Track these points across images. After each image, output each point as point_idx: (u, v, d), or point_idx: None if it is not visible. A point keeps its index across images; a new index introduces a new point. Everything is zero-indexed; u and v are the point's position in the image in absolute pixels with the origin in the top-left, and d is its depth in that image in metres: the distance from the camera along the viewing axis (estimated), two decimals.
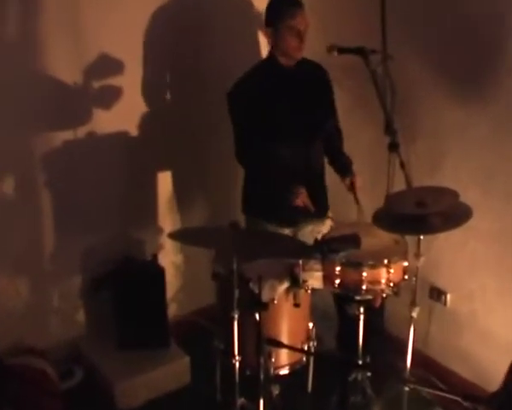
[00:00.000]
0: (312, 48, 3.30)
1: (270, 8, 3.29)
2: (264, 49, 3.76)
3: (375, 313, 3.26)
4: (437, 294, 3.65)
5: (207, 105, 3.90)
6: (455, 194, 2.81)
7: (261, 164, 3.30)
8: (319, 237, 3.06)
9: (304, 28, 3.20)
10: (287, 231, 3.39)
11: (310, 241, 3.00)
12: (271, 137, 3.27)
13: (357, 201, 3.27)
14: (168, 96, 3.86)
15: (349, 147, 3.52)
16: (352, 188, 3.32)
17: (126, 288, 3.67)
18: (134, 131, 3.76)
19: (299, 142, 3.32)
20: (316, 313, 3.25)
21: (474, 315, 3.51)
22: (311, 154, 3.38)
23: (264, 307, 2.70)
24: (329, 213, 3.54)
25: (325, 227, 3.42)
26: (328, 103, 3.46)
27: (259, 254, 2.80)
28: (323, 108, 3.42)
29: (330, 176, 3.50)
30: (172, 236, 2.98)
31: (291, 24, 3.18)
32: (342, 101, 3.56)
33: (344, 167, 3.40)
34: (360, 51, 2.97)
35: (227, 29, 3.92)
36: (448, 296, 3.61)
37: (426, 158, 3.53)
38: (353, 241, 2.78)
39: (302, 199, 3.16)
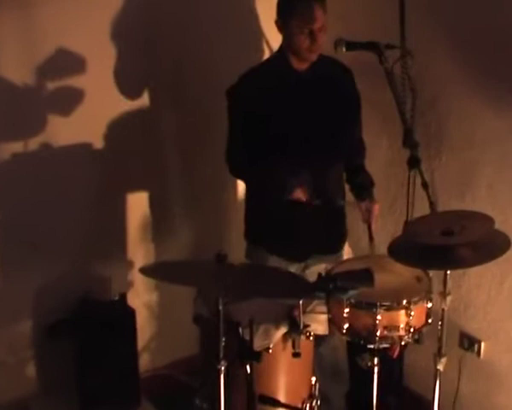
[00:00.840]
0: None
1: None
2: (274, 44, 3.81)
3: (393, 366, 3.29)
4: (469, 342, 3.68)
5: (190, 112, 3.96)
6: (489, 220, 2.83)
7: (250, 178, 3.37)
8: (323, 272, 3.10)
9: (318, 28, 3.20)
10: (294, 268, 3.43)
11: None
12: (267, 148, 3.31)
13: (371, 237, 3.32)
14: (142, 100, 3.91)
15: None
16: (367, 217, 3.37)
17: (88, 335, 3.69)
18: (99, 143, 3.80)
19: (308, 162, 3.35)
20: (321, 366, 3.28)
21: None
22: (326, 175, 3.42)
23: (256, 357, 2.72)
24: (347, 247, 3.59)
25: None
26: (352, 114, 3.49)
27: (251, 292, 2.81)
28: (346, 120, 3.44)
29: None
30: (145, 271, 2.99)
31: (302, 21, 3.19)
32: None
33: (362, 187, 3.45)
34: (373, 46, 3.02)
35: (218, 19, 3.97)
36: (482, 345, 3.64)
37: (454, 176, 3.58)
38: (365, 277, 2.79)
39: (303, 191, 3.22)
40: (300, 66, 3.34)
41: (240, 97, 3.33)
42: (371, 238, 3.32)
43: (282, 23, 3.28)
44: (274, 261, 3.41)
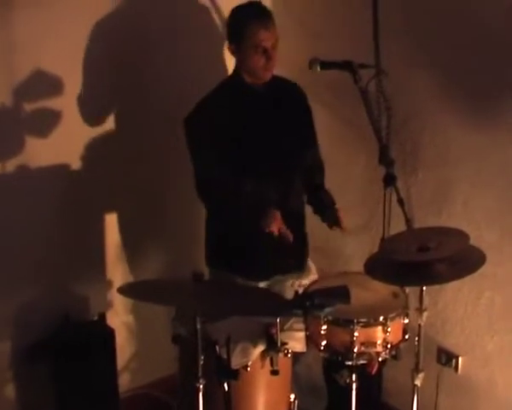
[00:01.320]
0: (294, 63, 3.39)
1: (231, 19, 3.36)
2: (231, 66, 3.85)
3: (371, 382, 3.30)
4: (446, 357, 3.69)
5: (164, 135, 3.97)
6: (464, 236, 2.86)
7: (226, 203, 3.34)
8: (300, 289, 3.11)
9: (272, 45, 3.25)
10: (261, 285, 3.42)
11: (289, 296, 3.05)
12: (238, 170, 3.31)
13: (341, 227, 3.34)
14: (118, 123, 3.92)
15: (337, 181, 3.59)
16: (334, 224, 3.39)
17: (68, 356, 3.67)
18: (76, 164, 3.80)
19: (272, 177, 3.37)
20: (300, 383, 3.28)
21: (491, 383, 3.55)
22: (289, 191, 3.43)
23: (234, 375, 2.72)
24: (310, 263, 3.60)
25: (308, 280, 3.43)
26: (306, 130, 3.52)
27: (228, 311, 2.82)
28: (301, 135, 3.47)
29: (310, 219, 3.56)
30: (123, 290, 2.98)
31: (255, 41, 3.22)
32: (328, 125, 3.65)
33: (324, 206, 3.46)
34: (347, 66, 3.05)
35: (185, 45, 4.00)
36: (460, 360, 3.65)
37: (430, 193, 3.61)
38: (342, 294, 2.81)
39: (277, 225, 3.20)
40: (256, 83, 3.36)
41: (200, 124, 3.31)
42: (341, 228, 3.35)
43: (236, 47, 3.31)
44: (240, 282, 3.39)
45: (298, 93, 3.51)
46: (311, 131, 3.54)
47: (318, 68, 3.16)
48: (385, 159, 3.01)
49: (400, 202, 2.97)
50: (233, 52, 3.35)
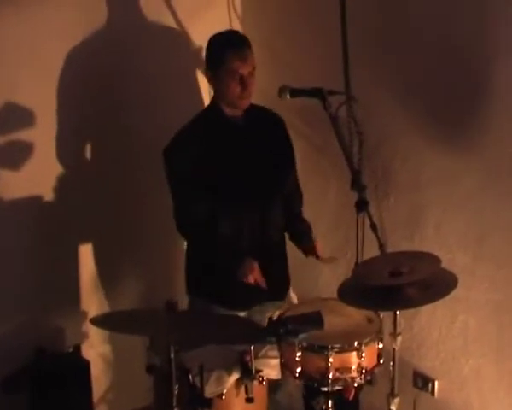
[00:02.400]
0: (264, 91, 3.40)
1: (209, 46, 3.35)
2: (208, 96, 3.87)
3: (348, 408, 3.29)
4: (422, 381, 3.69)
5: (140, 164, 3.98)
6: (436, 260, 2.87)
7: (206, 234, 3.34)
8: (274, 316, 3.10)
9: (249, 73, 3.25)
10: (241, 315, 3.39)
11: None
12: (217, 201, 3.31)
13: (317, 256, 3.36)
14: (91, 153, 3.92)
15: (310, 207, 3.60)
16: (311, 252, 3.41)
17: (43, 388, 3.63)
18: (49, 195, 3.80)
19: (252, 206, 3.37)
20: None
21: (467, 406, 3.54)
22: (268, 220, 3.42)
23: (207, 404, 2.71)
24: (292, 293, 3.59)
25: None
26: (285, 159, 3.51)
27: (202, 339, 2.82)
28: (280, 164, 3.46)
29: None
30: (96, 322, 2.97)
31: (232, 68, 3.22)
32: (300, 153, 3.62)
33: (302, 235, 3.47)
34: (316, 93, 3.06)
35: (161, 74, 4.02)
36: (436, 384, 3.65)
37: (402, 217, 3.62)
38: (315, 320, 2.81)
39: (254, 275, 3.21)
40: (234, 113, 3.35)
41: (179, 155, 3.31)
42: (317, 257, 3.38)
43: (213, 74, 3.31)
44: (220, 312, 3.36)
45: (277, 123, 3.50)
46: (291, 161, 3.54)
47: (288, 96, 3.17)
48: (357, 184, 3.01)
49: (373, 226, 2.97)
50: (210, 79, 3.35)
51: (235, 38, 3.32)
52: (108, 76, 3.85)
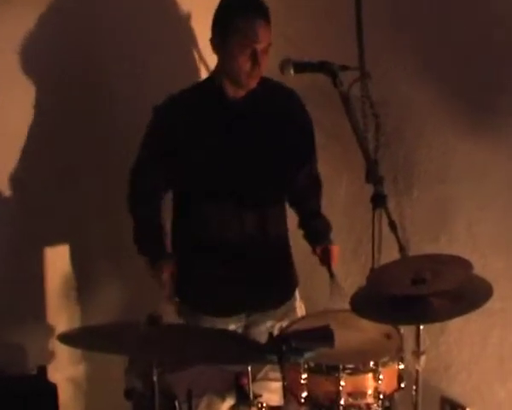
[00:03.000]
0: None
1: (219, 8, 3.30)
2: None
3: None
4: (451, 408, 3.71)
5: (122, 158, 3.96)
6: (466, 264, 2.87)
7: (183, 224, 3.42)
8: (276, 331, 3.11)
9: (263, 48, 3.22)
10: (232, 327, 3.42)
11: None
12: (197, 189, 3.36)
13: (331, 273, 3.37)
14: (61, 150, 3.93)
15: None
16: (325, 259, 3.43)
17: None
18: (13, 201, 3.84)
19: (246, 203, 3.38)
20: None
21: None
22: (269, 219, 3.44)
23: None
24: (298, 302, 3.60)
25: None
26: (304, 147, 3.50)
27: (190, 358, 2.83)
28: (296, 157, 3.46)
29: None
30: (65, 338, 2.97)
31: (245, 39, 3.19)
32: None
33: (318, 234, 3.50)
34: (325, 68, 3.05)
35: (141, 48, 4.04)
36: None
37: (427, 214, 3.65)
38: (324, 336, 2.81)
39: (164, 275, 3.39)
40: (236, 93, 3.34)
41: (169, 117, 3.36)
42: (331, 274, 3.37)
43: (220, 41, 3.26)
44: (206, 321, 3.40)
45: (292, 101, 3.47)
46: (312, 149, 3.54)
47: (292, 71, 3.15)
48: (373, 176, 3.00)
49: (392, 225, 2.96)
50: (215, 47, 3.31)
51: (252, 4, 3.25)
52: (85, 54, 3.89)
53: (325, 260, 3.44)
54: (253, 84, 3.29)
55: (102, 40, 3.92)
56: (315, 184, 3.62)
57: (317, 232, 3.51)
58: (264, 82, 3.34)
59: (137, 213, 3.50)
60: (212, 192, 3.33)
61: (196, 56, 4.14)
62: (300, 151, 3.48)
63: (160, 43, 4.08)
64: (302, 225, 3.59)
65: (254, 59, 3.21)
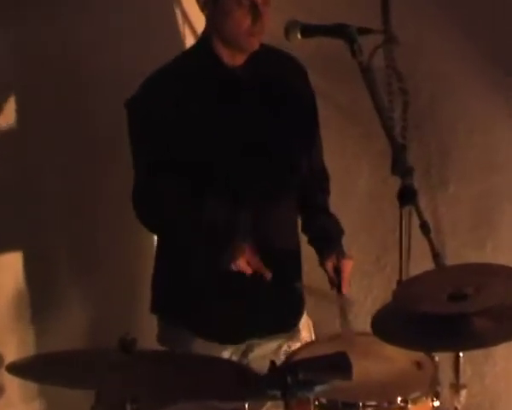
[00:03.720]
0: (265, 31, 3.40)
1: None
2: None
3: None
4: None
5: (89, 135, 4.03)
6: None
7: (173, 224, 3.37)
8: (280, 358, 3.10)
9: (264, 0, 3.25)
10: (228, 353, 3.44)
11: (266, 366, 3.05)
12: (198, 184, 3.34)
13: (339, 289, 3.37)
14: (21, 143, 3.96)
15: (331, 198, 3.61)
16: (336, 279, 3.41)
17: None
18: None
19: (249, 198, 3.40)
20: None
21: None
22: (274, 219, 3.45)
23: None
24: (304, 319, 3.61)
25: (299, 344, 3.45)
26: (305, 129, 3.53)
27: (173, 393, 2.82)
28: (297, 137, 3.47)
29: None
30: (16, 369, 2.98)
31: None
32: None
33: (326, 236, 3.49)
34: (340, 31, 3.05)
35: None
36: None
37: (467, 214, 3.64)
38: (340, 365, 2.80)
39: (248, 258, 3.24)
40: (234, 59, 3.35)
41: (147, 108, 3.33)
42: (339, 289, 3.37)
43: None
44: (199, 345, 3.40)
45: (296, 74, 3.51)
46: (313, 130, 3.57)
47: (299, 35, 3.16)
48: (400, 166, 3.00)
49: (424, 227, 2.96)
50: (204, 3, 3.32)
51: None
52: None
53: (335, 280, 3.42)
54: (256, 44, 3.31)
55: None
56: (320, 177, 3.65)
57: (326, 235, 3.51)
58: (266, 48, 3.38)
59: (177, 220, 3.41)
60: (214, 179, 3.35)
61: (179, 18, 4.13)
62: (307, 129, 3.52)
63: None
64: (306, 226, 3.60)
65: (255, 12, 3.23)
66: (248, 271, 3.23)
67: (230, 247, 3.25)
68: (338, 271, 3.39)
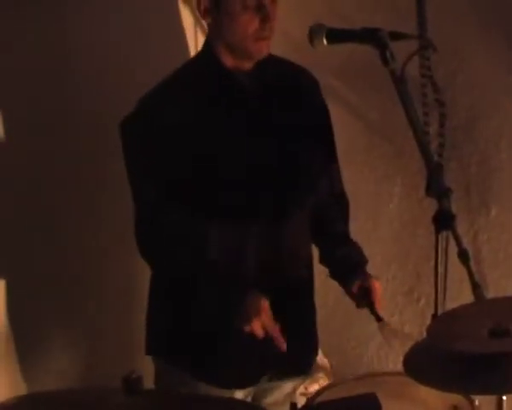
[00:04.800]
0: (287, 37, 3.40)
1: None
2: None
3: None
4: None
5: (76, 154, 4.04)
6: None
7: (183, 258, 3.36)
8: (300, 401, 3.10)
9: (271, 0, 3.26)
10: (239, 396, 3.43)
11: None
12: (204, 207, 3.34)
13: (378, 317, 3.37)
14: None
15: (356, 223, 3.64)
16: (364, 299, 3.43)
17: None
18: None
19: (261, 221, 3.40)
20: None
21: None
22: (288, 244, 3.46)
23: None
24: (323, 361, 3.62)
25: (316, 385, 3.46)
26: (320, 146, 3.54)
27: None
28: (307, 154, 3.48)
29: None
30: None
31: None
32: (342, 136, 3.66)
33: (350, 266, 3.51)
34: (370, 36, 3.05)
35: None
36: None
37: (511, 241, 3.64)
38: (368, 408, 2.82)
39: (262, 320, 3.21)
40: (240, 67, 3.36)
41: (145, 131, 3.33)
42: (379, 319, 3.36)
43: (212, 2, 3.29)
44: (202, 388, 3.40)
45: (308, 87, 3.53)
46: (329, 148, 3.58)
47: (325, 41, 3.16)
48: (436, 187, 3.00)
49: (463, 255, 2.96)
50: (205, 9, 3.33)
51: None
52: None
53: (365, 299, 3.43)
54: (265, 49, 3.32)
55: None
56: (338, 202, 3.66)
57: (349, 263, 3.52)
58: (270, 58, 3.38)
59: (188, 262, 3.37)
60: (221, 202, 3.35)
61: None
62: (320, 147, 3.53)
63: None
64: (326, 257, 3.61)
65: (263, 13, 3.24)
66: (261, 335, 3.20)
67: (245, 301, 3.22)
68: (365, 290, 3.41)
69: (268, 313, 3.21)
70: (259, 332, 3.18)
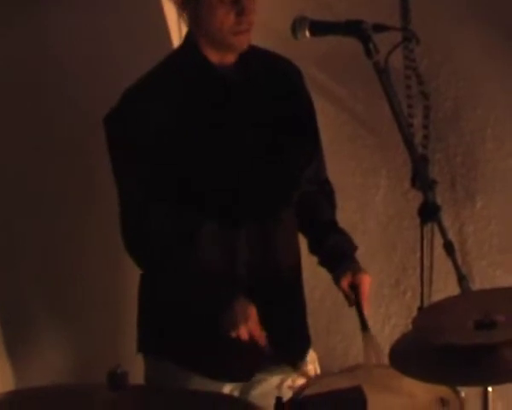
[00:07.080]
0: (269, 28, 3.41)
1: None
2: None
3: None
4: None
5: (62, 153, 4.06)
6: None
7: (170, 260, 3.37)
8: (287, 394, 3.12)
9: None
10: (228, 389, 3.44)
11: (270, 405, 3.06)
12: (189, 205, 3.35)
13: (364, 324, 3.37)
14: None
15: (342, 215, 3.63)
16: (353, 296, 3.43)
17: None
18: None
19: (249, 216, 3.40)
20: None
21: None
22: (276, 238, 3.46)
23: None
24: (310, 354, 3.62)
25: (303, 378, 3.41)
26: (304, 138, 3.54)
27: None
28: (294, 146, 3.48)
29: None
30: None
31: None
32: (327, 128, 3.64)
33: (339, 254, 3.50)
34: (354, 28, 3.07)
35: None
36: None
37: (497, 233, 3.65)
38: (354, 401, 2.81)
39: (249, 327, 3.23)
40: (223, 59, 3.36)
41: (129, 126, 3.33)
42: (365, 327, 3.36)
43: None
44: (195, 383, 3.40)
45: (291, 78, 3.52)
46: (313, 140, 3.58)
47: (307, 33, 3.18)
48: (421, 179, 3.02)
49: (448, 247, 2.99)
50: (182, 4, 3.34)
51: None
52: None
53: (354, 299, 3.44)
54: (244, 42, 3.32)
55: None
56: (325, 189, 3.66)
57: (338, 252, 3.52)
58: (254, 50, 3.39)
59: (176, 263, 3.39)
60: (208, 200, 3.36)
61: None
62: (305, 138, 3.54)
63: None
64: (314, 246, 3.60)
65: (238, 5, 3.23)
66: (247, 341, 3.23)
67: (233, 308, 3.25)
68: (355, 287, 3.41)
69: (255, 320, 3.25)
70: (245, 338, 3.22)
